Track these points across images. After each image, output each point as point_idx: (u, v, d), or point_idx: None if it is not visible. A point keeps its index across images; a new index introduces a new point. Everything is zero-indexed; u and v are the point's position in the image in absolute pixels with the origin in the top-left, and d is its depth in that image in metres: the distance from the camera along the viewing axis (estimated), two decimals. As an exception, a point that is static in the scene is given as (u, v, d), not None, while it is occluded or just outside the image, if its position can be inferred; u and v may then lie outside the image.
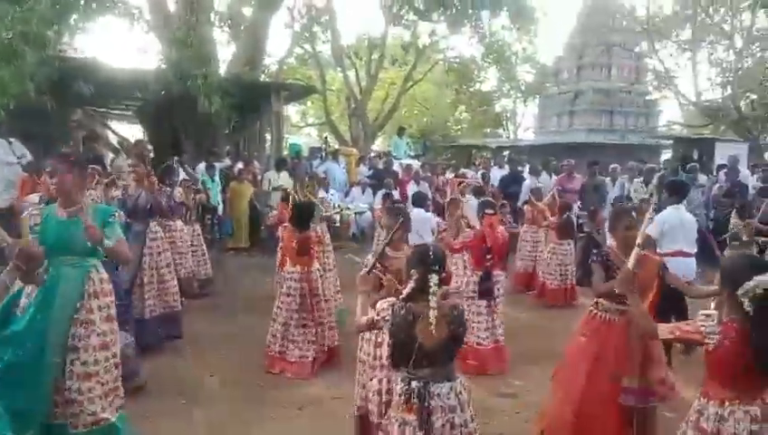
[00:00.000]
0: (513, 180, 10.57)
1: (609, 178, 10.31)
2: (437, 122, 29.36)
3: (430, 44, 21.77)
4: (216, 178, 9.92)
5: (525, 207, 8.61)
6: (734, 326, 2.25)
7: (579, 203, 9.87)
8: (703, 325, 2.31)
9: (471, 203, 8.39)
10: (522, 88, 26.68)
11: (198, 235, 7.53)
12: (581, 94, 19.52)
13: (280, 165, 10.60)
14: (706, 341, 2.29)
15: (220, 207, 10.06)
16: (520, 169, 11.44)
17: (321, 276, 5.09)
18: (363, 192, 11.20)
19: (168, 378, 4.61)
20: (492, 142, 24.66)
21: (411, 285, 2.39)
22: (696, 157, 15.97)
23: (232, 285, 7.84)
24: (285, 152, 13.92)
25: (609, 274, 3.17)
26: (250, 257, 9.44)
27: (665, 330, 2.49)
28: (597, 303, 3.28)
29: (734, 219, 6.56)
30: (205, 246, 7.64)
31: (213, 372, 4.84)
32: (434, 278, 2.32)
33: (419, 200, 6.90)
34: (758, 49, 20.91)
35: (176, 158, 8.88)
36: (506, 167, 12.06)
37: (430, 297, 2.30)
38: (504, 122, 30.42)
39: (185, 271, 6.67)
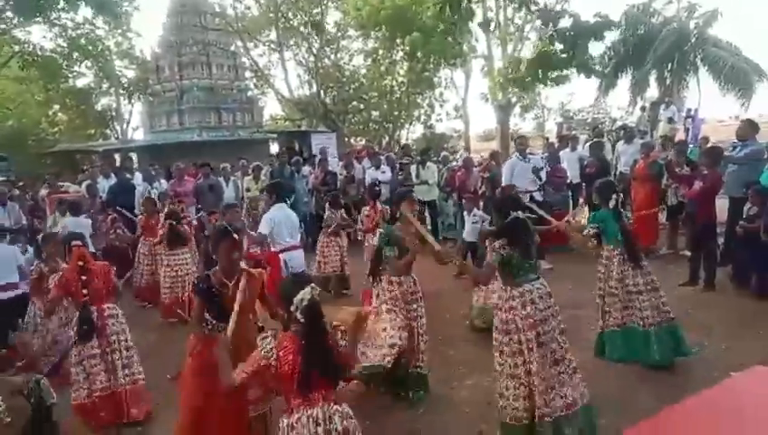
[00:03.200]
0: (123, 189, 9.87)
1: (222, 178, 10.62)
2: (27, 126, 25.21)
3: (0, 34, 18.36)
4: None
5: (140, 217, 8.14)
6: (292, 339, 2.55)
7: (197, 205, 9.96)
8: (263, 348, 2.54)
9: (68, 222, 7.55)
10: (124, 85, 25.13)
11: None
12: (187, 92, 19.51)
13: None
14: (269, 362, 2.51)
15: None
16: (129, 176, 10.75)
17: None
18: None
19: None
20: (98, 145, 22.55)
21: None
22: (297, 148, 17.97)
23: None
24: None
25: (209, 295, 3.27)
26: None
27: (238, 374, 2.60)
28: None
29: (327, 211, 7.61)
30: None
31: None
32: None
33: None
34: (332, 51, 24.54)
35: None
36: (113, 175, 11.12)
37: None
38: (111, 122, 28.14)
39: None
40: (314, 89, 22.87)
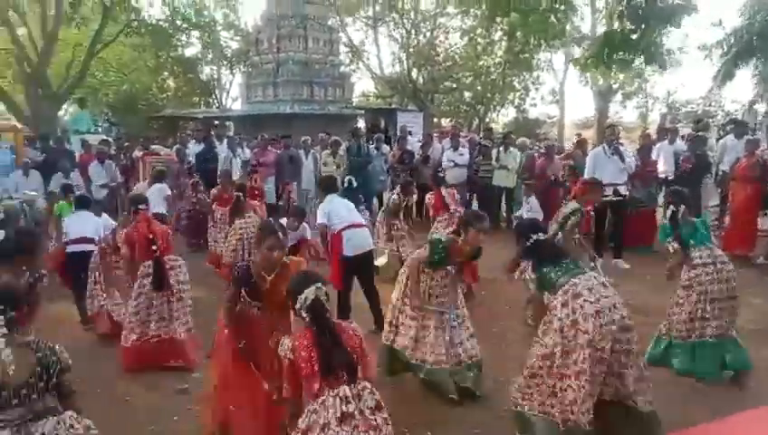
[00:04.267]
0: (208, 156, 10.33)
1: (302, 150, 10.84)
2: (139, 91, 27.07)
3: (118, 1, 19.68)
4: None
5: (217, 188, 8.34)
6: (305, 335, 2.56)
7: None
8: (281, 348, 2.59)
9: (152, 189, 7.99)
10: (226, 55, 26.27)
11: None
12: (283, 65, 20.03)
13: None
14: (287, 357, 2.55)
15: None
16: (216, 143, 11.22)
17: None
18: (27, 176, 9.44)
19: None
20: (199, 113, 23.78)
21: None
22: (382, 125, 18.03)
23: None
24: None
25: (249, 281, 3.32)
26: None
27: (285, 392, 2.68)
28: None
29: (396, 193, 7.49)
30: None
31: None
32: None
33: (84, 200, 6.19)
34: (427, 29, 24.22)
35: None
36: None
37: None
38: (213, 92, 29.60)
39: None
40: (407, 67, 22.71)
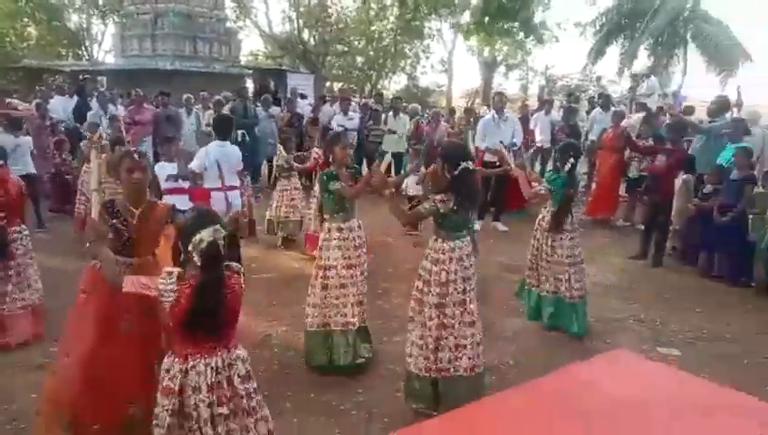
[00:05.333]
0: (82, 113, 9.42)
1: (184, 109, 10.20)
2: (-6, 39, 24.01)
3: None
4: None
5: (85, 143, 7.65)
6: (191, 283, 2.30)
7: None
8: (162, 282, 2.32)
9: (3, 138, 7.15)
10: (98, 3, 23.98)
11: None
12: (162, 16, 18.62)
13: None
14: (162, 298, 2.30)
15: None
16: (89, 98, 10.26)
17: None
18: None
19: None
20: (67, 65, 21.59)
21: None
22: (271, 87, 17.44)
23: None
24: None
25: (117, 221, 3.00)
26: None
27: (128, 282, 2.47)
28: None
29: (280, 152, 7.30)
30: None
31: None
32: None
33: None
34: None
35: None
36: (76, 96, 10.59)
37: None
38: (83, 43, 26.91)
39: None
40: (297, 27, 22.02)
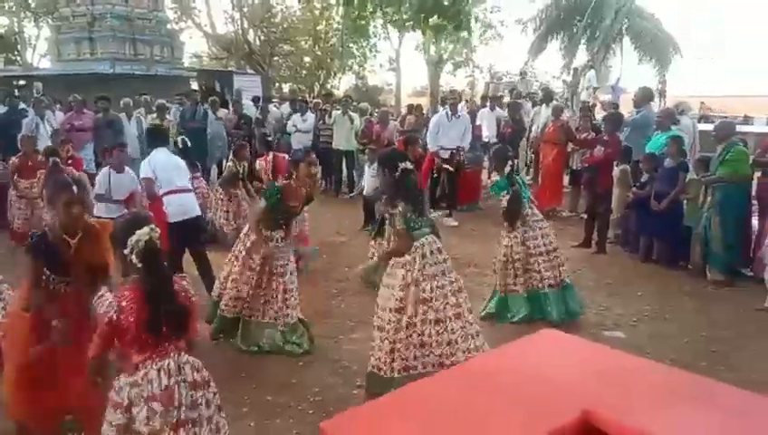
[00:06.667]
0: (12, 121, 9.02)
1: (124, 114, 9.90)
2: None
3: None
4: None
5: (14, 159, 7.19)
6: (133, 288, 2.28)
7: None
8: (100, 305, 2.27)
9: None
10: (30, 5, 22.98)
11: None
12: (99, 19, 18.00)
13: None
14: (109, 316, 2.24)
15: None
16: (23, 106, 9.83)
17: None
18: None
19: None
20: (-1, 71, 20.60)
21: None
22: (218, 88, 17.15)
23: None
24: None
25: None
26: None
27: (92, 348, 2.39)
28: None
29: (230, 160, 7.22)
30: None
31: None
32: None
33: None
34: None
35: None
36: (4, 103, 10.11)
37: None
38: (16, 47, 25.71)
39: None
40: (240, 27, 21.69)
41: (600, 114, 9.58)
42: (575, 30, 19.61)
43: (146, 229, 2.28)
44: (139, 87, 14.51)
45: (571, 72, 16.00)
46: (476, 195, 9.37)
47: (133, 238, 2.26)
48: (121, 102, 9.93)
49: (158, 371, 2.29)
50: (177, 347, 2.37)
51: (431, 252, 3.49)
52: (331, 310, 5.20)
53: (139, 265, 2.28)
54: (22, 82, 17.42)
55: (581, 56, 20.65)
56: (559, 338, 2.20)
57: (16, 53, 25.64)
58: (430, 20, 8.29)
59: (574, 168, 8.39)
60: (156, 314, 2.26)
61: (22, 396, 2.95)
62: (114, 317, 2.24)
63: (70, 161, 7.38)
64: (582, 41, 20.12)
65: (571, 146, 8.21)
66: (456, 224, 8.17)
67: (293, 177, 4.34)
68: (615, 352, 2.09)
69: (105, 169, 5.76)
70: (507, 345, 2.22)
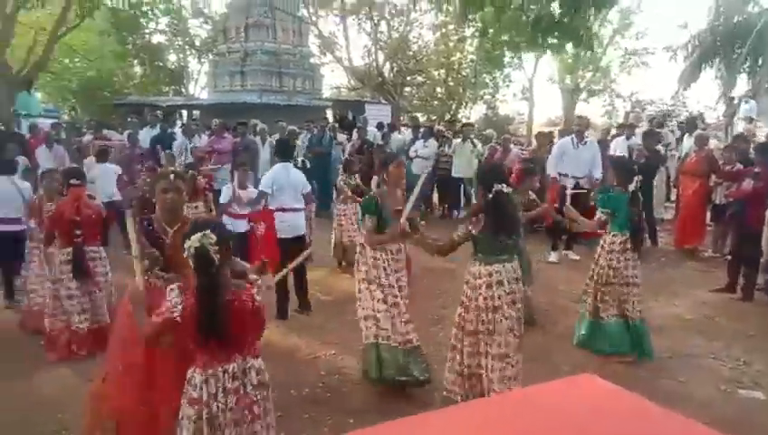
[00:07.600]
0: (162, 141, 10.08)
1: (259, 138, 10.64)
2: (104, 77, 26.36)
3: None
4: None
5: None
6: (192, 293, 2.34)
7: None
8: (169, 300, 2.36)
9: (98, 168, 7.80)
10: (194, 43, 25.81)
11: None
12: (251, 54, 19.75)
13: None
14: (173, 314, 2.32)
15: None
16: (172, 130, 10.97)
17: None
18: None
19: None
20: (164, 101, 23.28)
21: None
22: (350, 117, 17.88)
23: None
24: None
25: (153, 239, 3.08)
26: None
27: (146, 326, 2.47)
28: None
29: (341, 176, 7.42)
30: None
31: None
32: None
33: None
34: (401, 23, 24.11)
35: None
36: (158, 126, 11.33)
37: None
38: (182, 80, 29.01)
39: None
40: (375, 59, 22.56)
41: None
42: (735, 57, 17.81)
43: (197, 235, 2.32)
44: (281, 116, 15.59)
45: (728, 101, 14.50)
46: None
47: (188, 242, 2.33)
48: (257, 128, 10.68)
49: (224, 373, 2.37)
50: (241, 352, 2.41)
51: (508, 281, 3.32)
52: (428, 337, 5.01)
53: (193, 268, 2.35)
54: (184, 112, 19.54)
55: (742, 85, 18.73)
56: (599, 386, 1.81)
57: (182, 85, 28.90)
58: (549, 39, 7.98)
59: (717, 202, 7.46)
60: (204, 318, 2.30)
61: (126, 396, 2.97)
62: (176, 316, 2.32)
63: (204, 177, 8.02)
64: (743, 68, 18.22)
65: (714, 179, 7.32)
66: (577, 258, 7.62)
67: (384, 180, 4.12)
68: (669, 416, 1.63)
69: (230, 184, 6.21)
70: (537, 386, 1.90)
